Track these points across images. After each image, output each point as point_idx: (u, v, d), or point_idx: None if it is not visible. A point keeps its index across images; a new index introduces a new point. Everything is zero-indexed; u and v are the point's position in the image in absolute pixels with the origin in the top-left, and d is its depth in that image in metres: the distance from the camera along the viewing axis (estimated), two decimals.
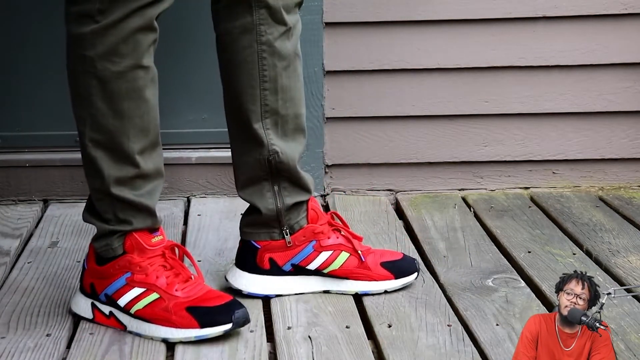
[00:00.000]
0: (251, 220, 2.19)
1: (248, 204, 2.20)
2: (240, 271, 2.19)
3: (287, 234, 2.17)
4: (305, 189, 2.18)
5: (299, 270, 2.18)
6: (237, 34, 2.08)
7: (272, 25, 2.08)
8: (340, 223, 2.23)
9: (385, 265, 2.20)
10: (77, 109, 1.98)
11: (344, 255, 2.19)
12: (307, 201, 2.19)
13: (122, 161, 1.97)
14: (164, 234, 2.04)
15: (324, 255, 2.18)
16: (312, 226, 2.18)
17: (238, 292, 2.16)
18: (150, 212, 2.01)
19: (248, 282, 2.18)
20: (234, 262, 2.22)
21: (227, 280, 2.20)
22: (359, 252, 2.19)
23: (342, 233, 2.21)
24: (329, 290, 2.20)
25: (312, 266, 2.18)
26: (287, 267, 2.18)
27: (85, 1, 1.90)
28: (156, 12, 1.92)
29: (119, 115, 1.94)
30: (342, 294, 2.19)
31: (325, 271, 2.18)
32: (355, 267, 2.19)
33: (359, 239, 2.23)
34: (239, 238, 2.22)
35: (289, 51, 2.11)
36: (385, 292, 2.20)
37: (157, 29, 1.95)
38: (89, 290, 2.05)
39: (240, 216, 2.74)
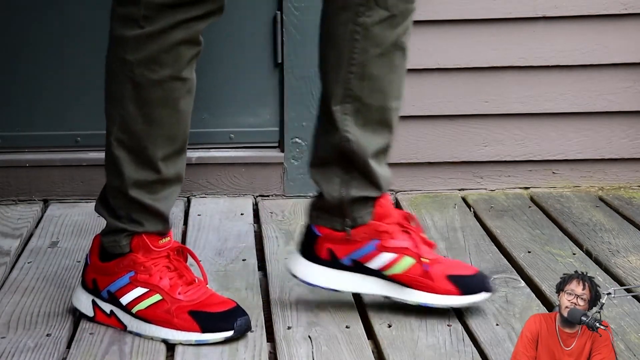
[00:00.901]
0: (316, 202, 2.08)
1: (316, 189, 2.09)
2: (300, 257, 2.09)
3: (348, 227, 2.05)
4: (376, 186, 2.03)
5: (359, 267, 2.06)
6: (338, 8, 1.96)
7: (372, 8, 1.93)
8: (414, 226, 2.07)
9: (452, 278, 2.04)
10: (109, 107, 1.96)
11: (407, 260, 2.04)
12: (375, 198, 2.04)
13: (143, 165, 1.96)
14: (172, 236, 2.04)
15: (385, 257, 2.04)
16: (376, 224, 2.04)
17: (294, 277, 2.10)
18: (163, 218, 2.00)
19: (306, 270, 2.08)
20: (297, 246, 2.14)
21: (286, 262, 2.12)
22: (423, 259, 2.03)
23: (412, 236, 2.05)
24: (389, 297, 2.07)
25: (373, 265, 2.05)
26: (347, 262, 2.06)
27: (131, 4, 1.87)
28: (202, 27, 1.90)
29: (149, 121, 1.93)
30: (403, 302, 2.07)
31: (386, 273, 2.05)
32: (419, 275, 2.03)
33: (431, 245, 2.08)
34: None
35: (387, 39, 1.95)
36: (452, 309, 2.07)
37: (202, 42, 1.92)
38: (91, 286, 2.05)
39: (241, 216, 2.75)
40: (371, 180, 2.03)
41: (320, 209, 2.07)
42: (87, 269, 2.07)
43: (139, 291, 1.99)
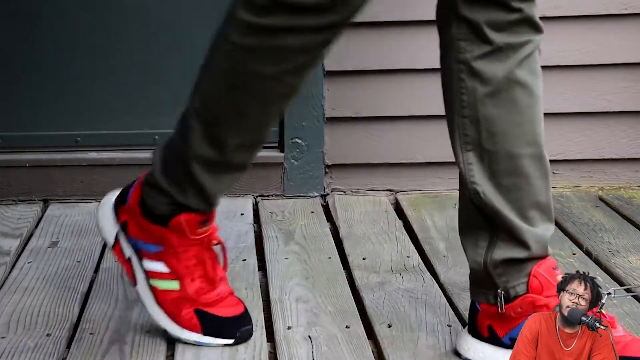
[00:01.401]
0: (471, 275, 1.88)
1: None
2: (465, 333, 1.91)
3: (500, 300, 1.80)
4: (523, 244, 1.78)
5: None
6: (444, 47, 1.86)
7: (473, 43, 1.79)
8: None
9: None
10: (201, 76, 1.84)
11: None
12: (526, 260, 1.80)
13: (211, 143, 1.83)
14: (213, 223, 1.95)
15: None
16: (532, 297, 1.78)
17: (458, 356, 1.91)
18: (209, 197, 1.88)
19: (468, 346, 1.88)
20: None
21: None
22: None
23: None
24: None
25: None
26: (507, 341, 1.83)
27: None
28: (318, 39, 1.73)
29: (230, 105, 1.80)
30: None
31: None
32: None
33: (611, 323, 1.73)
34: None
35: (497, 75, 1.77)
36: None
37: (321, 56, 1.78)
38: (121, 223, 1.98)
39: (241, 216, 2.75)
40: (517, 238, 1.79)
41: (474, 281, 1.87)
42: (123, 207, 1.98)
43: (161, 267, 1.94)
